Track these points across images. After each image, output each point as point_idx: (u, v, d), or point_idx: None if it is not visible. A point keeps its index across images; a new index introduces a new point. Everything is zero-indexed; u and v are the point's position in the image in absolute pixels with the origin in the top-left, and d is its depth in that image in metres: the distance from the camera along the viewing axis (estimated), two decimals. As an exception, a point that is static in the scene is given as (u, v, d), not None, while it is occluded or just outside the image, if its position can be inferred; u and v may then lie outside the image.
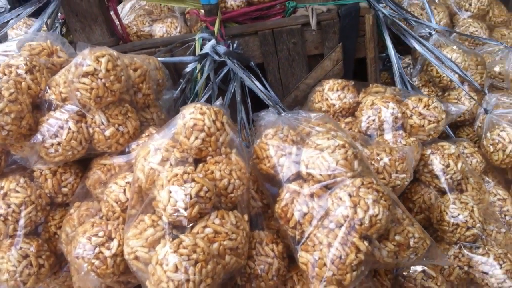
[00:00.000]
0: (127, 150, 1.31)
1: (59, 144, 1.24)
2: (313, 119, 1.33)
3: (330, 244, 1.06)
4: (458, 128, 1.96)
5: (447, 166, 1.50)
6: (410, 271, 1.41)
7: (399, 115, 1.52)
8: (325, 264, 1.05)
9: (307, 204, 1.13)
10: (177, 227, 1.07)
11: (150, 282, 1.01)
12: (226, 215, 1.10)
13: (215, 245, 1.05)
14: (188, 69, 1.71)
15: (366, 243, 1.06)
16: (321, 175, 1.14)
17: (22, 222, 1.25)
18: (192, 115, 1.15)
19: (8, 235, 1.25)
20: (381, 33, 1.88)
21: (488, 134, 1.67)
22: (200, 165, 1.16)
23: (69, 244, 1.22)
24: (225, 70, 1.73)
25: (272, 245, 1.18)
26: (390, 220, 1.12)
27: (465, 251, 1.45)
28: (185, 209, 1.04)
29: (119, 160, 1.31)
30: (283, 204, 1.15)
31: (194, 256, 0.98)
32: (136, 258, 1.05)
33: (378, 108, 1.52)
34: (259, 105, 1.67)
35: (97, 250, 1.12)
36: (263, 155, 1.23)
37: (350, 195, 1.08)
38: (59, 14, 1.93)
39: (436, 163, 1.51)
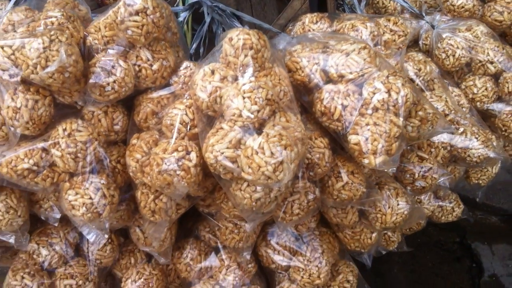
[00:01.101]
0: (171, 82, 1.45)
1: (114, 81, 1.34)
2: (322, 36, 1.55)
3: (376, 123, 1.31)
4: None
5: (419, 69, 1.81)
6: (409, 156, 1.72)
7: (376, 32, 1.79)
8: (375, 139, 1.30)
9: (346, 99, 1.36)
10: (250, 130, 1.25)
11: (246, 172, 1.19)
12: (287, 114, 1.31)
13: (288, 137, 1.25)
14: (180, 18, 1.84)
15: (401, 119, 1.33)
16: (351, 73, 1.38)
17: (89, 158, 1.35)
18: (240, 36, 1.32)
19: (78, 173, 1.35)
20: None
21: (439, 45, 2.02)
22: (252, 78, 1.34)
23: (140, 170, 1.35)
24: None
25: (320, 138, 1.40)
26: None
27: (445, 135, 1.78)
28: (259, 110, 1.23)
29: (164, 92, 1.44)
30: (326, 103, 1.37)
31: (283, 142, 1.18)
32: (225, 158, 1.22)
33: (359, 29, 1.78)
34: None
35: (180, 162, 1.27)
36: (296, 67, 1.44)
37: (383, 83, 1.34)
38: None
39: (410, 69, 1.81)
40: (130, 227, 1.56)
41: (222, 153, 1.22)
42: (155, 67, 1.40)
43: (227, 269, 1.58)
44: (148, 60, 1.40)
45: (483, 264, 3.97)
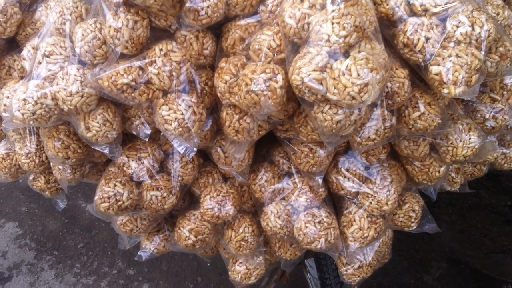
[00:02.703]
0: (258, 10, 1.53)
1: (208, 6, 1.43)
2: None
3: (458, 55, 1.35)
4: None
5: (498, 14, 1.80)
6: (481, 97, 1.75)
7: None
8: (456, 70, 1.35)
9: (429, 31, 1.41)
10: (336, 54, 1.32)
11: (332, 92, 1.27)
12: (372, 42, 1.36)
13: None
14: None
15: (482, 52, 1.37)
16: (435, 7, 1.41)
17: (182, 77, 1.45)
18: (329, -33, 1.38)
19: (172, 90, 1.46)
20: None
21: (518, -9, 2.00)
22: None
23: (228, 90, 1.45)
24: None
25: (400, 69, 1.46)
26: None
27: (519, 76, 1.80)
28: (346, 35, 1.29)
29: (251, 20, 1.52)
30: (409, 34, 1.42)
31: (369, 65, 1.25)
32: (312, 79, 1.30)
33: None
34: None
35: (268, 83, 1.35)
36: (381, 0, 1.49)
37: (467, 17, 1.37)
38: None
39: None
40: (212, 147, 1.68)
41: (309, 75, 1.30)
42: (248, -6, 1.48)
43: (299, 191, 1.69)
44: (242, -12, 1.48)
45: (533, 228, 3.95)
